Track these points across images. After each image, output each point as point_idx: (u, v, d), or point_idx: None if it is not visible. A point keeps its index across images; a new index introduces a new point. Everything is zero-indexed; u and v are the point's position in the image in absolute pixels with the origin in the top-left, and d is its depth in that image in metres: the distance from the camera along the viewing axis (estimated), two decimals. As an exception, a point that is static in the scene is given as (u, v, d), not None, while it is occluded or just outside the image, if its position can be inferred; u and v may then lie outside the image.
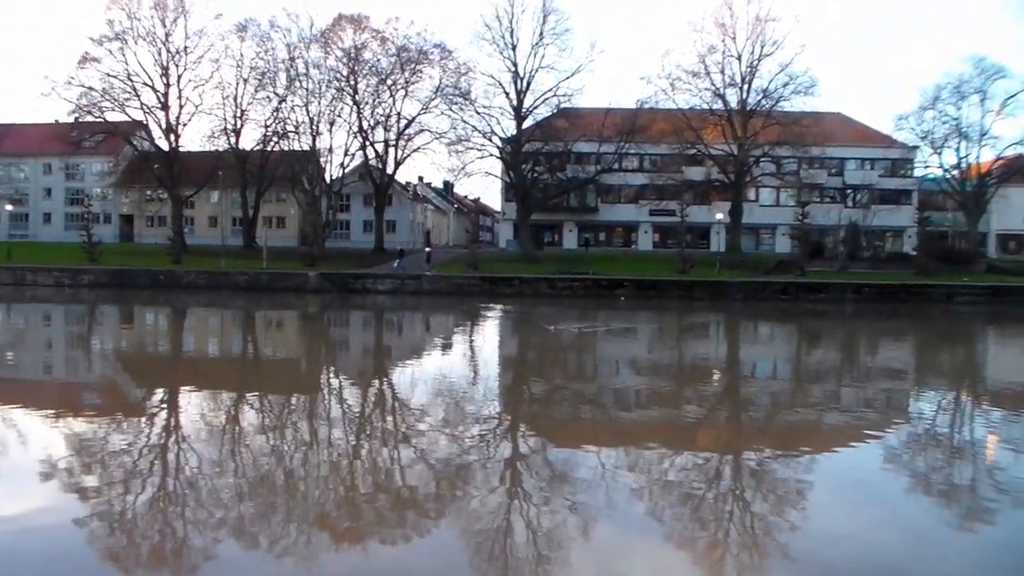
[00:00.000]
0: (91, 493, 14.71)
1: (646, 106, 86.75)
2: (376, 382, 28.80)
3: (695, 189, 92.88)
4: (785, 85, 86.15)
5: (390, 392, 26.72)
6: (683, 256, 76.04)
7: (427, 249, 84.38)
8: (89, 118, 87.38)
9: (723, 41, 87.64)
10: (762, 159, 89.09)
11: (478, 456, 17.39)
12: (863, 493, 15.33)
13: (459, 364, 33.10)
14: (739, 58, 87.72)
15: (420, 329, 49.48)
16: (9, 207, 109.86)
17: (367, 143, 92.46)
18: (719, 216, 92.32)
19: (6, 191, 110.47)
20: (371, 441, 19.26)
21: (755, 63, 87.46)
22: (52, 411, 21.96)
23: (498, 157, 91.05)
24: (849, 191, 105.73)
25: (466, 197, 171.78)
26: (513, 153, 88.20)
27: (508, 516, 13.65)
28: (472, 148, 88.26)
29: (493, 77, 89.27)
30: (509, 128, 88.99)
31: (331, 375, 30.84)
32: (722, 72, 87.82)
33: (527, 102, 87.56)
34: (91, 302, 59.34)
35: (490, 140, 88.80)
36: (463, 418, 21.50)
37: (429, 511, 13.88)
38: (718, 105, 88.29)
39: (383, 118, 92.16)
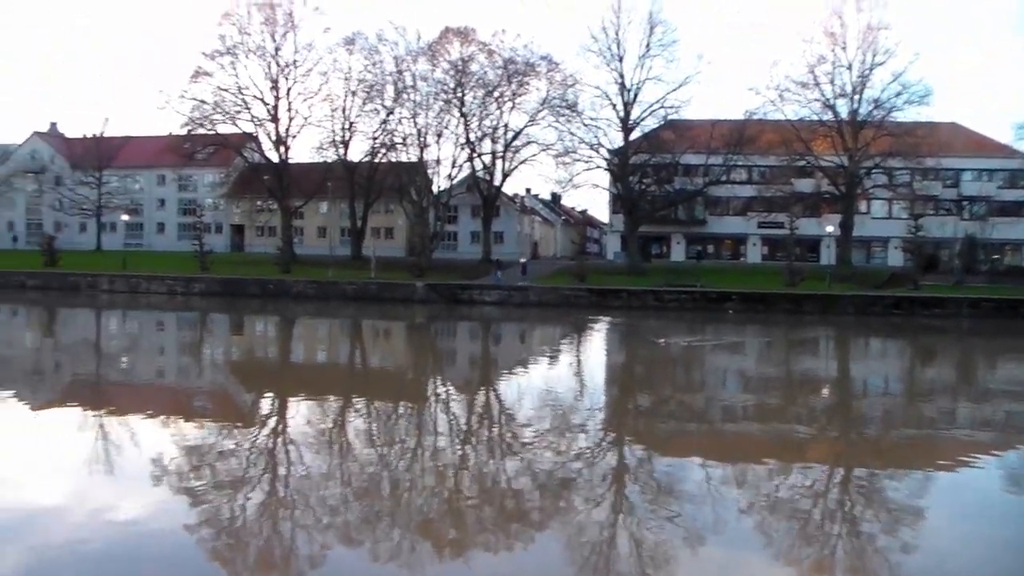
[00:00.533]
0: (201, 497, 14.94)
1: (754, 117, 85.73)
2: (482, 392, 28.84)
3: (804, 201, 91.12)
4: (898, 95, 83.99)
5: (496, 402, 26.74)
6: (792, 269, 74.87)
7: (522, 260, 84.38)
8: (201, 131, 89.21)
9: (833, 51, 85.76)
10: (874, 171, 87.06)
11: (583, 468, 17.29)
12: (978, 514, 14.87)
13: (565, 376, 33.02)
14: (850, 68, 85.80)
15: (527, 340, 49.50)
16: (125, 217, 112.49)
17: (474, 155, 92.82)
18: (829, 229, 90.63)
19: (122, 202, 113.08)
20: (476, 451, 19.29)
21: (866, 73, 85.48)
22: (164, 416, 22.42)
23: (605, 169, 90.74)
24: (965, 203, 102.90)
25: (573, 209, 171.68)
26: (620, 165, 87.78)
27: (612, 529, 13.54)
28: (579, 160, 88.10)
29: (600, 89, 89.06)
30: (616, 140, 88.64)
31: (438, 385, 30.98)
32: (832, 82, 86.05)
33: (634, 114, 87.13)
34: (202, 310, 60.49)
35: (597, 152, 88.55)
36: (569, 429, 21.42)
37: (533, 522, 13.83)
38: (828, 116, 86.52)
39: (490, 130, 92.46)
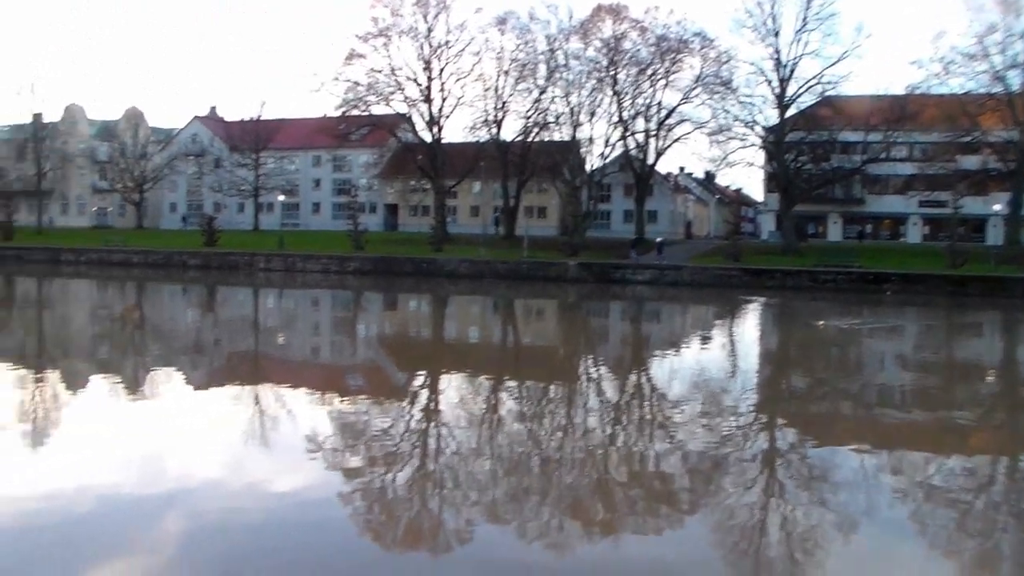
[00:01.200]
0: (353, 471, 15.27)
1: (916, 92, 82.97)
2: (634, 372, 28.72)
3: (969, 179, 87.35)
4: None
5: (647, 382, 26.58)
6: (955, 250, 72.10)
7: (658, 240, 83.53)
8: (355, 112, 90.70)
9: (1005, 19, 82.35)
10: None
11: (734, 450, 17.04)
12: None
13: (718, 356, 32.65)
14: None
15: (679, 320, 49.13)
16: (282, 198, 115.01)
17: (627, 133, 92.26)
18: (996, 207, 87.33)
19: (278, 183, 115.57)
20: (626, 431, 19.19)
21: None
22: (319, 392, 22.89)
23: (760, 147, 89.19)
24: None
25: (727, 187, 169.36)
26: (776, 142, 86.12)
27: (763, 514, 13.30)
28: (734, 138, 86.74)
29: (755, 65, 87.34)
30: (771, 117, 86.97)
31: (589, 364, 30.96)
32: (1003, 52, 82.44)
33: (790, 90, 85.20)
34: (356, 288, 61.63)
35: (752, 129, 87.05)
36: (720, 411, 21.14)
37: (682, 504, 13.69)
38: (998, 89, 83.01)
39: (643, 108, 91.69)
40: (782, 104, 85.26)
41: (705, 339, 38.77)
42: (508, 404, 22.09)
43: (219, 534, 11.93)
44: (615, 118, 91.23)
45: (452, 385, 24.74)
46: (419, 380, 26.64)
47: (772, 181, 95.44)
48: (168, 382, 24.66)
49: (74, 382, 24.49)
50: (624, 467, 15.98)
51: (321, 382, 24.68)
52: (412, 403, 22.27)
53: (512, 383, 25.25)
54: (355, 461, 16.00)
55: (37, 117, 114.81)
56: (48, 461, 15.65)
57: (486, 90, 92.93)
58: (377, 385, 25.00)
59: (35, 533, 11.95)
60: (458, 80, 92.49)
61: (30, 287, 63.61)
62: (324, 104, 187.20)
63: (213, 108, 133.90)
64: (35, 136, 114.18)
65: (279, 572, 10.76)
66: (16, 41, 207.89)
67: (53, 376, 25.88)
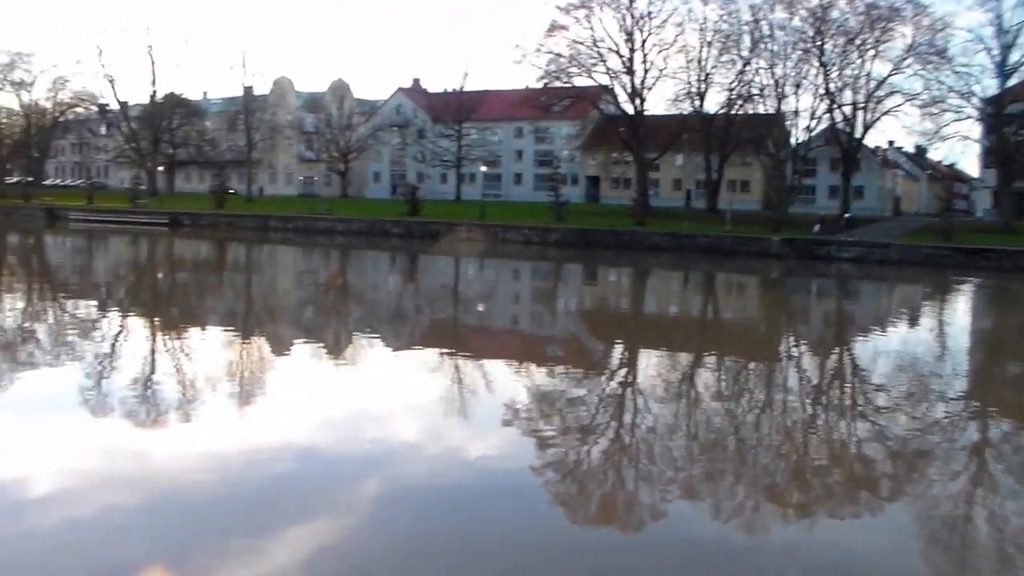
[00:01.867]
0: (548, 441, 15.35)
1: None
2: (836, 352, 27.89)
3: None
4: None
5: (850, 363, 25.81)
6: None
7: (846, 216, 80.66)
8: (557, 84, 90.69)
9: None
10: None
11: (941, 438, 16.39)
12: None
13: (925, 339, 31.42)
14: None
15: (885, 300, 47.56)
16: (484, 168, 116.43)
17: (834, 106, 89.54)
18: None
19: (481, 154, 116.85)
20: (827, 412, 18.66)
21: None
22: (516, 361, 23.08)
23: (977, 119, 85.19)
24: None
25: (939, 163, 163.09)
26: (995, 115, 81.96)
27: (968, 506, 12.74)
28: (947, 110, 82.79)
29: (972, 32, 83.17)
30: (990, 88, 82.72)
31: (790, 342, 30.30)
32: None
33: (1012, 58, 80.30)
34: (556, 260, 61.76)
35: (968, 101, 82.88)
36: (926, 396, 20.38)
37: (882, 491, 13.22)
38: None
39: (851, 80, 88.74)
40: (1003, 73, 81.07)
41: (913, 320, 37.34)
42: (706, 380, 21.84)
43: (415, 498, 12.17)
44: (821, 90, 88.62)
45: (650, 359, 24.60)
46: (617, 353, 26.60)
47: (989, 156, 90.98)
48: (370, 348, 25.31)
49: (279, 346, 25.33)
50: (823, 450, 15.59)
51: (519, 352, 24.91)
52: (609, 376, 22.25)
53: (711, 359, 24.91)
54: (550, 432, 16.12)
55: (248, 90, 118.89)
56: (252, 421, 16.31)
57: (689, 62, 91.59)
58: (575, 357, 25.04)
59: (237, 487, 12.51)
60: (660, 52, 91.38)
61: (240, 253, 66.17)
62: (526, 75, 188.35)
63: (416, 80, 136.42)
64: (246, 108, 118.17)
65: (471, 539, 10.89)
66: (229, 17, 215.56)
67: (259, 339, 26.93)
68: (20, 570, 9.62)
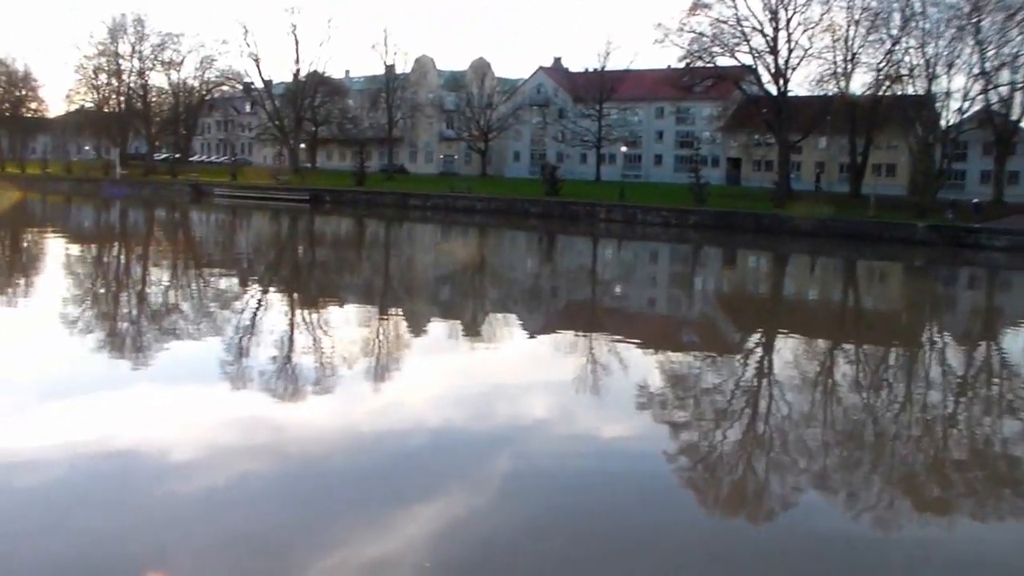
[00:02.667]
0: (682, 426, 15.30)
1: None
2: (982, 345, 26.91)
3: None
4: None
5: (997, 357, 24.90)
6: None
7: (974, 201, 77.40)
8: (699, 64, 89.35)
9: None
10: None
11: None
12: None
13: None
14: None
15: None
16: (624, 149, 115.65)
17: (989, 87, 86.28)
18: None
19: (621, 134, 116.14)
20: (970, 408, 18.08)
21: None
22: (652, 344, 22.90)
23: None
24: None
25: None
26: None
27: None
28: (1114, 91, 79.48)
29: None
30: None
31: (933, 332, 29.37)
32: None
33: None
34: (695, 242, 60.95)
35: None
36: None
37: (1027, 490, 12.70)
38: None
39: (1009, 58, 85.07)
40: None
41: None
42: (844, 369, 21.34)
43: (544, 478, 12.25)
44: (976, 70, 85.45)
45: (787, 346, 24.12)
46: (753, 339, 26.23)
47: None
48: (506, 327, 25.43)
49: (416, 323, 25.65)
50: (964, 446, 15.11)
51: (655, 335, 24.76)
52: (744, 362, 21.96)
53: (849, 348, 24.33)
54: (683, 416, 16.07)
55: (390, 69, 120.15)
56: (387, 396, 16.62)
57: (835, 41, 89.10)
58: (711, 341, 24.76)
59: (369, 461, 12.82)
60: (806, 31, 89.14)
61: (378, 230, 67.04)
62: (668, 55, 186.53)
63: (558, 59, 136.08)
64: (388, 87, 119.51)
65: (596, 520, 10.88)
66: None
67: (397, 316, 27.27)
68: (161, 533, 9.94)
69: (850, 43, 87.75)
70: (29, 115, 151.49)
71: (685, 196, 74.58)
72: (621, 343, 22.94)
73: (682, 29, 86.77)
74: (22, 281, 32.32)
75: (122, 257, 44.21)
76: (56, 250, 45.22)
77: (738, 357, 22.50)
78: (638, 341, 23.45)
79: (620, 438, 14.27)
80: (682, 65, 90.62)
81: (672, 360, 21.28)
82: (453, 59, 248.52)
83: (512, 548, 10.05)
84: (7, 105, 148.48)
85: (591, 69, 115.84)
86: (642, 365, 20.28)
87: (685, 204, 71.53)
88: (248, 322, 24.56)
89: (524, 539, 10.33)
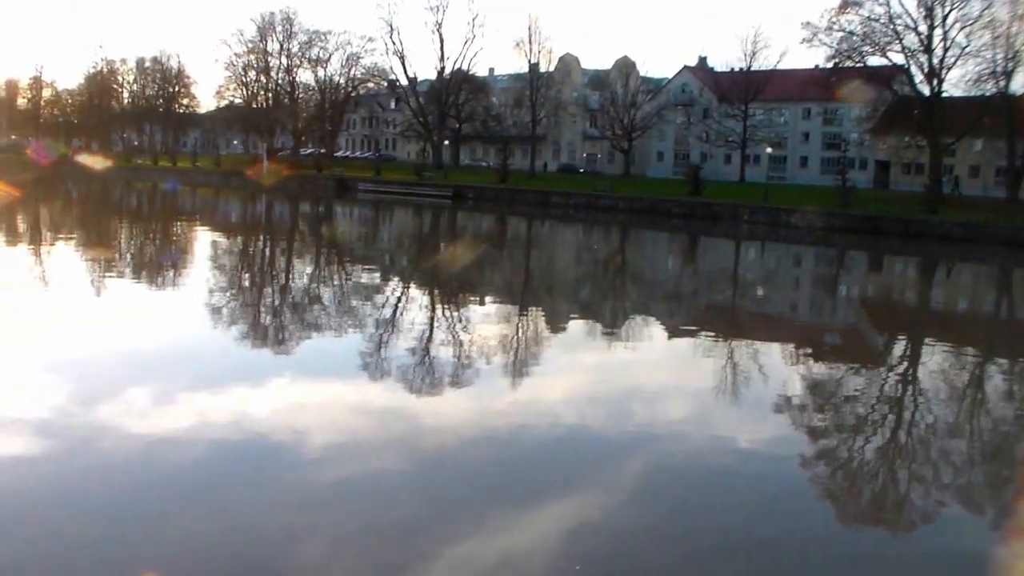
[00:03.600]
0: (820, 433, 14.99)
1: None
2: None
3: None
4: None
5: None
6: None
7: None
8: (848, 63, 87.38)
9: None
10: None
11: None
12: None
13: None
14: None
15: None
16: (769, 150, 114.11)
17: None
18: None
19: (766, 135, 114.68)
20: None
21: None
22: (792, 348, 22.42)
23: None
24: None
25: None
26: None
27: None
28: None
29: None
30: None
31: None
32: None
33: None
34: (840, 246, 59.55)
35: None
36: None
37: None
38: None
39: None
40: None
41: None
42: (995, 383, 20.54)
43: (678, 481, 12.12)
44: None
45: (934, 356, 23.41)
46: (898, 347, 25.52)
47: None
48: (645, 327, 25.29)
49: (555, 320, 25.70)
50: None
51: (795, 339, 24.33)
52: (888, 370, 21.38)
53: (1003, 361, 23.28)
54: (822, 423, 15.73)
55: (534, 67, 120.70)
56: (523, 393, 16.61)
57: (995, 38, 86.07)
58: (853, 347, 24.20)
59: (503, 457, 12.83)
60: (963, 28, 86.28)
61: (520, 227, 67.16)
62: (816, 55, 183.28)
63: (703, 58, 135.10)
64: (532, 85, 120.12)
65: (730, 526, 10.68)
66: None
67: (536, 313, 27.30)
68: (292, 518, 10.11)
69: (1012, 40, 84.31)
70: (181, 111, 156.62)
71: (831, 199, 73.07)
72: (761, 347, 22.59)
73: (831, 28, 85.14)
74: (171, 271, 33.24)
75: (266, 249, 45.22)
76: (204, 241, 46.58)
77: (882, 365, 21.86)
78: (778, 345, 23.05)
79: (755, 442, 13.99)
80: (830, 65, 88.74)
81: (813, 365, 20.90)
82: (597, 58, 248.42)
83: (643, 547, 9.96)
84: (161, 101, 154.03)
85: (736, 69, 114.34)
86: (781, 369, 19.92)
87: (830, 207, 69.98)
88: (388, 315, 24.93)
89: (655, 539, 10.25)
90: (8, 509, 10.03)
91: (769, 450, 13.69)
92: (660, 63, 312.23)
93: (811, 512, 11.53)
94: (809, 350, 22.70)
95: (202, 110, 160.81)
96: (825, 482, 12.70)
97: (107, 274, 31.06)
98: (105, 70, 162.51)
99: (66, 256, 36.35)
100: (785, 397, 16.93)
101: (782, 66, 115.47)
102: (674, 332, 24.58)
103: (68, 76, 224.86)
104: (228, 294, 28.26)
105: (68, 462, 11.51)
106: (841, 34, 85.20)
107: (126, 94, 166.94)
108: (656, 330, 25.04)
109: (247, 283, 31.78)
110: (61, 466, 11.36)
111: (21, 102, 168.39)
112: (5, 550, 9.08)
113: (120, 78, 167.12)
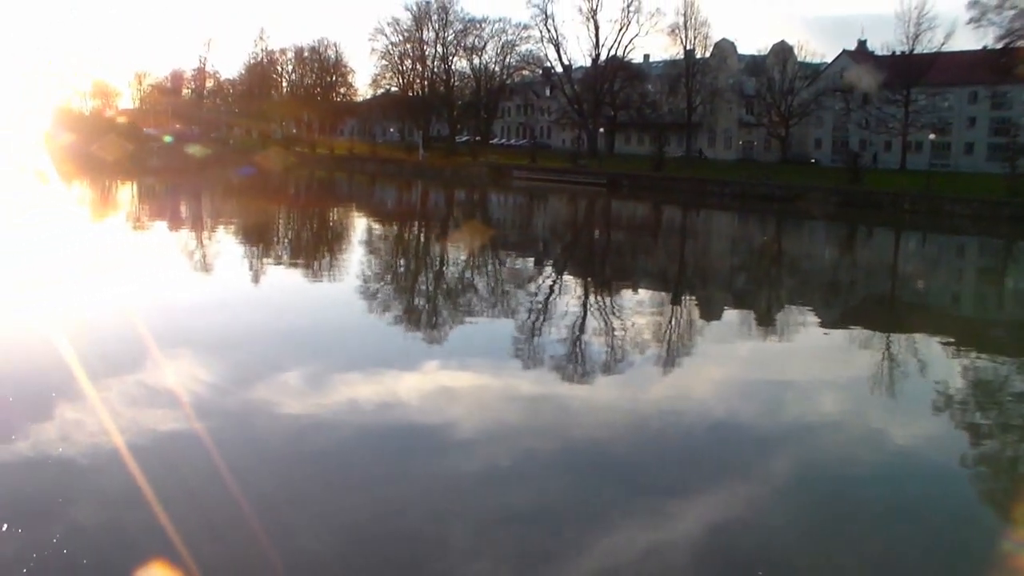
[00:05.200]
0: (982, 433, 14.61)
1: None
2: None
3: None
4: None
5: None
6: None
7: None
8: (1020, 43, 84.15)
9: None
10: None
11: None
12: None
13: None
14: None
15: None
16: (932, 136, 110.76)
17: None
18: None
19: (929, 121, 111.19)
20: None
21: None
22: (954, 343, 21.76)
23: None
24: None
25: None
26: None
27: None
28: None
29: None
30: None
31: None
32: None
33: None
34: (1008, 237, 57.44)
35: None
36: None
37: None
38: None
39: None
40: None
41: None
42: None
43: (830, 478, 11.92)
44: None
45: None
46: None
47: None
48: (800, 319, 24.90)
49: (708, 311, 25.61)
50: None
51: (958, 333, 23.46)
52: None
53: None
54: (985, 422, 15.28)
55: (689, 54, 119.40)
56: (674, 384, 16.56)
57: None
58: (1019, 344, 23.15)
59: (651, 447, 12.84)
60: None
61: (674, 216, 66.70)
62: (984, 35, 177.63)
63: (862, 42, 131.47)
64: (687, 72, 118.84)
65: (880, 526, 10.46)
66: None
67: (689, 303, 27.21)
68: (439, 505, 10.35)
69: None
70: (338, 99, 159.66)
71: (998, 187, 70.47)
72: (920, 341, 21.99)
73: (1001, 6, 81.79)
74: (328, 256, 34.14)
75: (422, 236, 45.90)
76: (360, 227, 47.68)
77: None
78: (939, 340, 22.31)
79: (914, 442, 13.67)
80: (1000, 46, 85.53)
81: (976, 362, 20.09)
82: (754, 43, 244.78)
83: (790, 545, 9.90)
84: (319, 90, 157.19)
85: (898, 52, 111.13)
86: (942, 365, 19.33)
87: (998, 196, 67.55)
88: (540, 303, 25.11)
89: (802, 537, 10.16)
90: (165, 484, 10.29)
91: (927, 449, 13.35)
92: (819, 47, 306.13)
93: (969, 513, 11.25)
94: (972, 345, 21.93)
95: (358, 98, 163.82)
96: (988, 485, 12.36)
97: (267, 259, 32.49)
98: (265, 60, 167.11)
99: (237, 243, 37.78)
100: (945, 394, 16.41)
101: (947, 48, 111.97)
102: (829, 324, 24.06)
103: (230, 67, 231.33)
104: (380, 281, 28.94)
105: (222, 441, 11.84)
106: (1012, 12, 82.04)
107: (285, 83, 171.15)
108: (811, 322, 24.51)
109: (401, 269, 32.51)
110: (216, 445, 11.68)
111: (185, 92, 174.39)
112: (156, 525, 9.34)
113: (279, 68, 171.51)
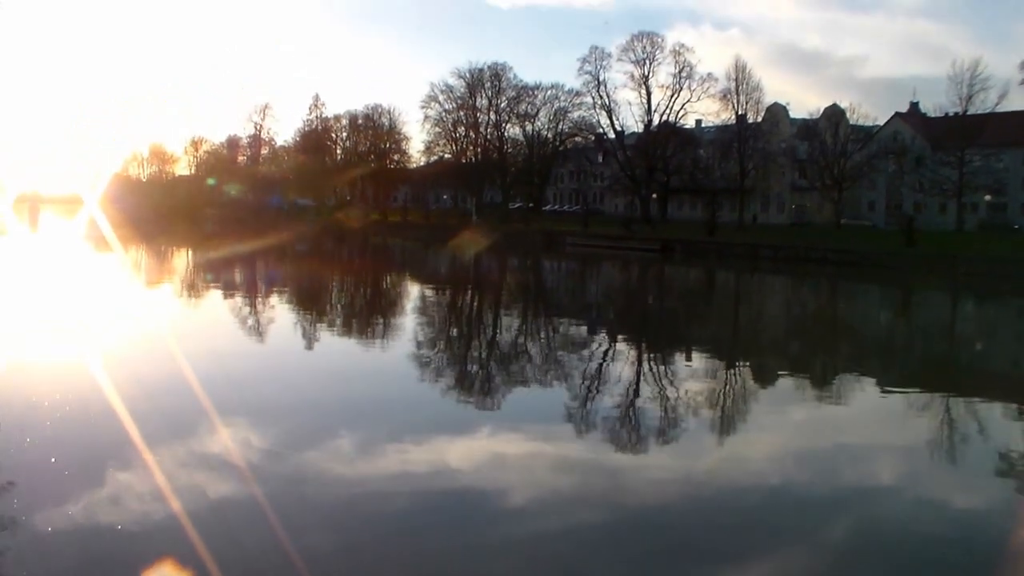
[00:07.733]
0: None
1: None
2: None
3: None
4: None
5: None
6: None
7: None
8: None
9: None
10: None
11: None
12: None
13: None
14: None
15: None
16: (988, 198, 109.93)
17: None
18: None
19: (985, 181, 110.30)
20: None
21: None
22: (1015, 407, 21.46)
23: None
24: None
25: None
26: None
27: None
28: None
29: None
30: None
31: None
32: None
33: None
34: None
35: None
36: None
37: None
38: None
39: None
40: None
41: None
42: None
43: (886, 548, 11.57)
44: None
45: None
46: None
47: None
48: (855, 383, 24.69)
49: (762, 376, 25.36)
50: None
51: (1017, 397, 23.12)
52: None
53: None
54: None
55: (741, 118, 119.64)
56: (727, 450, 16.41)
57: None
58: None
59: (704, 516, 12.63)
60: None
61: (729, 280, 66.51)
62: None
63: (914, 104, 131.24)
64: (739, 136, 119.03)
65: None
66: (720, 48, 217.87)
67: (743, 368, 27.07)
68: (490, 570, 10.48)
69: None
70: (392, 166, 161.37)
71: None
72: (980, 404, 21.63)
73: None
74: (381, 322, 34.52)
75: (475, 302, 46.20)
76: (413, 294, 48.23)
77: None
78: (1000, 403, 22.03)
79: (974, 509, 13.48)
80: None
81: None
82: (805, 106, 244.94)
83: None
84: (373, 156, 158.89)
85: (951, 114, 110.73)
86: (1004, 429, 19.02)
87: (1053, 254, 66.57)
88: (594, 369, 25.14)
89: None
90: (211, 552, 10.29)
91: (988, 518, 13.11)
92: (870, 110, 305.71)
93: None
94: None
95: (412, 164, 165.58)
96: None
97: (321, 324, 33.18)
98: (320, 128, 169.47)
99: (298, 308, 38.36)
100: (1007, 459, 16.18)
101: (1000, 108, 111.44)
102: (886, 388, 23.85)
103: (284, 132, 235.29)
104: (433, 347, 29.06)
105: (272, 505, 11.87)
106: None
107: (339, 150, 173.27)
108: (867, 386, 24.27)
109: (454, 335, 32.73)
110: (266, 510, 11.72)
111: (240, 159, 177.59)
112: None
113: (333, 135, 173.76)
